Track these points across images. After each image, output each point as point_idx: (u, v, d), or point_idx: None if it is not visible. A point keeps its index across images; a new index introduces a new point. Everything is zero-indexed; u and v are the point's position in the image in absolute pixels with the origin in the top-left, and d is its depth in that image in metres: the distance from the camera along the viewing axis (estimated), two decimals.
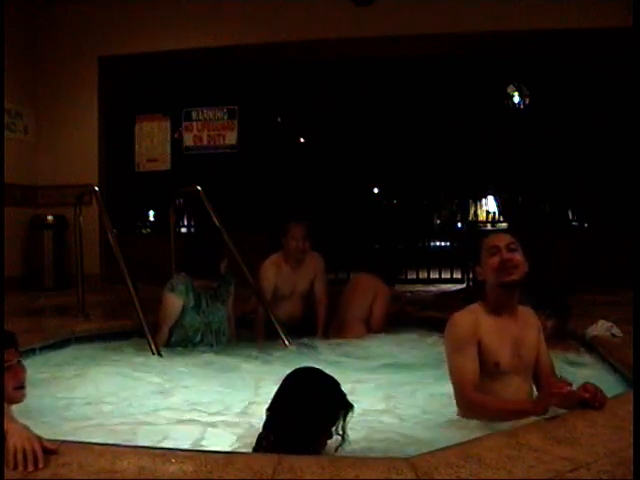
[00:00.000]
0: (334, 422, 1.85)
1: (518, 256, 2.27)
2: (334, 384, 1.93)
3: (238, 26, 6.79)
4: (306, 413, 1.83)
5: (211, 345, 3.77)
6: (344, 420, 1.88)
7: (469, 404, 2.19)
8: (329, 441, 1.87)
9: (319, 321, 4.28)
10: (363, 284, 4.25)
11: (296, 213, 4.67)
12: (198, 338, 3.77)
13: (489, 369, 2.23)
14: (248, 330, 4.20)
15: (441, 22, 6.46)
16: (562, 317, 3.44)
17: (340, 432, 1.86)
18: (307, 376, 1.96)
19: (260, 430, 1.92)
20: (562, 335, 3.45)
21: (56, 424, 2.29)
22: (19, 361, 2.13)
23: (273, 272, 4.22)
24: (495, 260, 2.26)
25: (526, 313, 2.41)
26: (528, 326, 2.36)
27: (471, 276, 5.42)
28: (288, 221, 4.28)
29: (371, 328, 4.12)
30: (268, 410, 1.92)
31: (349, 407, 1.89)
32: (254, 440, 2.00)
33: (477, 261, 2.36)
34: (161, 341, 3.66)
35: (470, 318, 2.30)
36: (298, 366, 2.04)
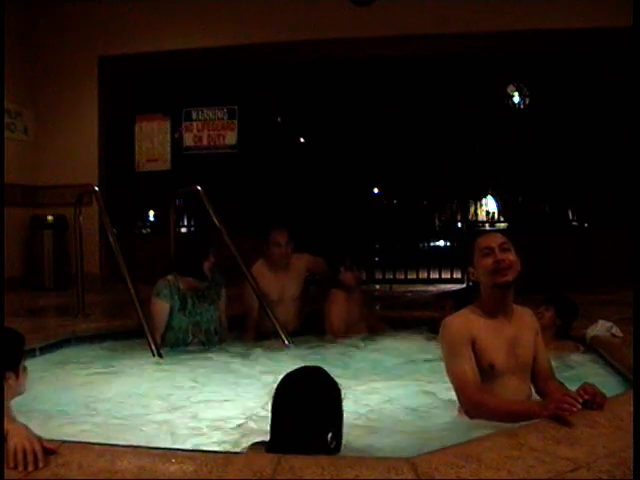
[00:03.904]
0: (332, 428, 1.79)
1: (511, 256, 2.25)
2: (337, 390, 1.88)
3: (238, 26, 6.80)
4: (309, 415, 1.77)
5: (203, 344, 3.78)
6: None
7: (475, 405, 2.17)
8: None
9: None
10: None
11: (276, 219, 4.59)
12: (190, 338, 3.77)
13: (485, 371, 2.22)
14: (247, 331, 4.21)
15: (441, 22, 6.48)
16: (568, 316, 3.45)
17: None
18: (312, 377, 1.89)
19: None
20: (565, 334, 3.46)
21: (56, 424, 2.29)
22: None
23: (257, 279, 4.16)
24: (489, 261, 2.24)
25: (523, 313, 2.39)
26: (524, 326, 2.34)
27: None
28: (268, 228, 4.24)
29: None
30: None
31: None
32: (254, 440, 2.00)
33: (470, 262, 2.34)
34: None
35: (462, 320, 2.29)
36: (298, 365, 2.02)
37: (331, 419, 1.81)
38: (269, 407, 1.91)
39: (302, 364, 2.07)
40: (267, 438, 1.96)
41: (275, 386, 1.88)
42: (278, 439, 1.79)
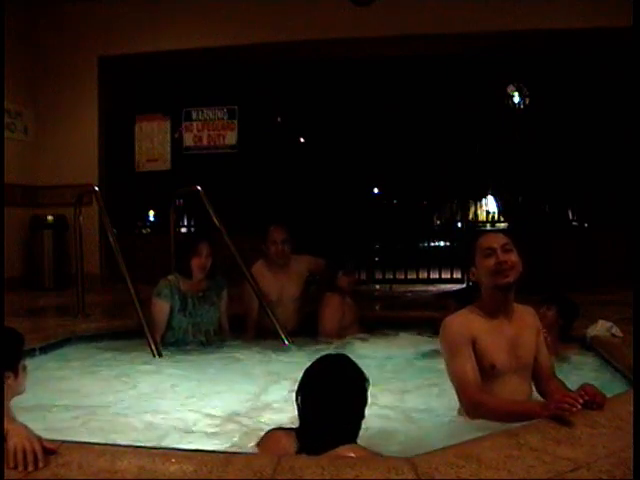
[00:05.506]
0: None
1: (514, 257, 2.24)
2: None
3: (238, 26, 6.80)
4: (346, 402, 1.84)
5: (203, 344, 3.79)
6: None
7: (475, 406, 2.16)
8: None
9: None
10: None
11: (276, 219, 4.59)
12: (190, 339, 3.78)
13: (486, 371, 2.21)
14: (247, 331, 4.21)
15: (441, 22, 6.47)
16: (569, 316, 3.44)
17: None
18: (343, 364, 1.95)
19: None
20: (566, 334, 3.45)
21: (56, 424, 2.29)
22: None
23: (257, 279, 4.15)
24: (491, 262, 2.23)
25: (524, 313, 2.38)
26: (525, 326, 2.33)
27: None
28: (267, 225, 4.24)
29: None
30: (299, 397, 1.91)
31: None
32: (254, 440, 2.00)
33: (471, 262, 2.33)
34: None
35: (462, 320, 2.28)
36: (303, 363, 2.02)
37: (360, 405, 1.87)
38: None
39: (302, 364, 2.07)
40: (267, 432, 1.97)
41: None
42: (309, 425, 1.83)
